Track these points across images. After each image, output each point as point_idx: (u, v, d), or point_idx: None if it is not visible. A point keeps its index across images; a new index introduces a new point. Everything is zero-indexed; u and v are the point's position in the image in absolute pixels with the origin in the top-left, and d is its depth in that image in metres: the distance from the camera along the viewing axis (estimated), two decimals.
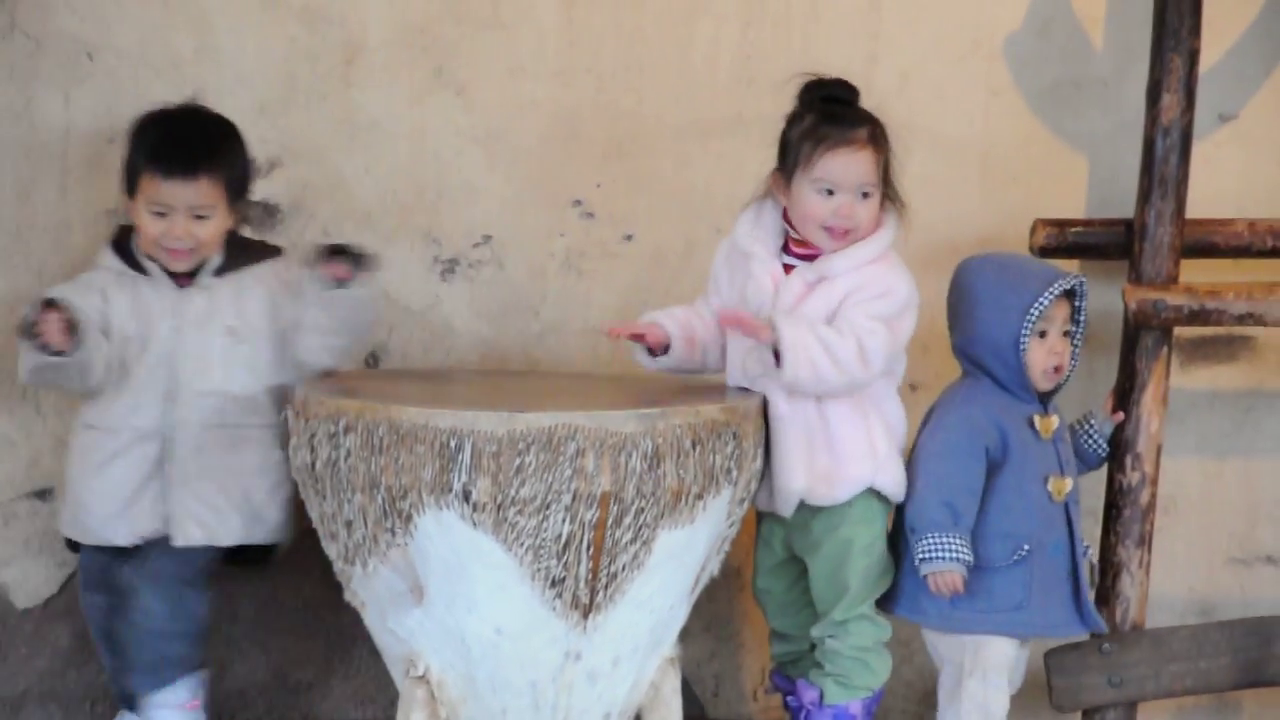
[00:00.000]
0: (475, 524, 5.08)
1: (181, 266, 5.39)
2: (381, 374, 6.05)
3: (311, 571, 5.89)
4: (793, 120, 5.02)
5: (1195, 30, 5.81)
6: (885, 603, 5.47)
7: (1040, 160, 6.34)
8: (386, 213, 6.17)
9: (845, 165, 4.97)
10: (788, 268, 5.13)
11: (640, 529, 5.21)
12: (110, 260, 5.44)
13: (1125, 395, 5.89)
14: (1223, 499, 6.45)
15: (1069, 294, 5.29)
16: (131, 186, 5.44)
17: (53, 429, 6.18)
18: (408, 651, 5.29)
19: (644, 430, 5.17)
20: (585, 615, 5.23)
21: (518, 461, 5.06)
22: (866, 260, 4.99)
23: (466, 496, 5.11)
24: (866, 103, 5.96)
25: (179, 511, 5.49)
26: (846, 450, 5.28)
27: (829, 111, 5.04)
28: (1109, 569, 6.08)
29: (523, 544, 5.09)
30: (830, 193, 4.93)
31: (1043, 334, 5.29)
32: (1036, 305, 5.17)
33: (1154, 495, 5.97)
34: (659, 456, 5.15)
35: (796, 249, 5.12)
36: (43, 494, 6.12)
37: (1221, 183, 6.20)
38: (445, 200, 6.18)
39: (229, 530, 5.55)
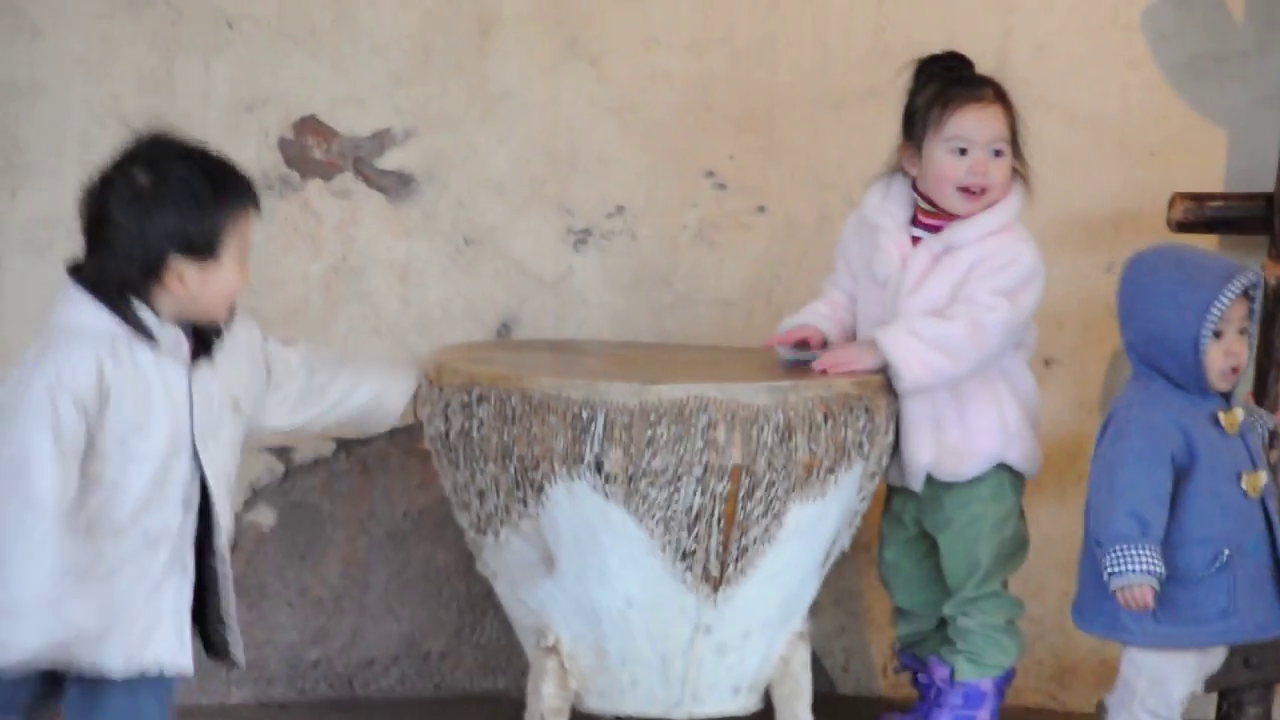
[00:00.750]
0: (607, 495, 5.08)
1: None
2: (513, 344, 6.04)
3: (444, 540, 5.98)
4: (916, 91, 4.98)
5: None
6: (1081, 621, 5.27)
7: (1178, 134, 6.20)
8: (519, 183, 6.14)
9: (977, 120, 4.94)
10: (915, 240, 5.06)
11: (771, 502, 5.21)
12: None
13: (1265, 373, 5.80)
14: None
15: (1245, 291, 5.14)
16: None
17: None
18: (538, 622, 5.31)
19: (776, 403, 5.17)
20: (715, 588, 5.23)
21: (649, 433, 5.08)
22: (992, 229, 4.91)
23: (598, 467, 5.11)
24: (1003, 76, 5.87)
25: None
26: (976, 424, 5.21)
27: (953, 75, 5.01)
28: None
29: (654, 516, 5.09)
30: (963, 152, 4.89)
31: (1218, 334, 5.05)
32: (1216, 305, 4.96)
33: None
34: (790, 429, 5.15)
35: (926, 219, 5.06)
36: None
37: None
38: (578, 171, 6.15)
39: None
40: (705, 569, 5.20)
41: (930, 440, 5.01)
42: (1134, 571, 4.81)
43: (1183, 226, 5.75)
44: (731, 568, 5.24)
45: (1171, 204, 5.72)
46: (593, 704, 5.37)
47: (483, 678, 6.21)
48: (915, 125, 5.04)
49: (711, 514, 5.12)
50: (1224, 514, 5.01)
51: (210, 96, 6.11)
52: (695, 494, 5.10)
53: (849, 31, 6.20)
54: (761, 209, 6.08)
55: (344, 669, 6.17)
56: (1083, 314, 6.14)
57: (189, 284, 4.15)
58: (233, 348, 4.53)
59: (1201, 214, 5.75)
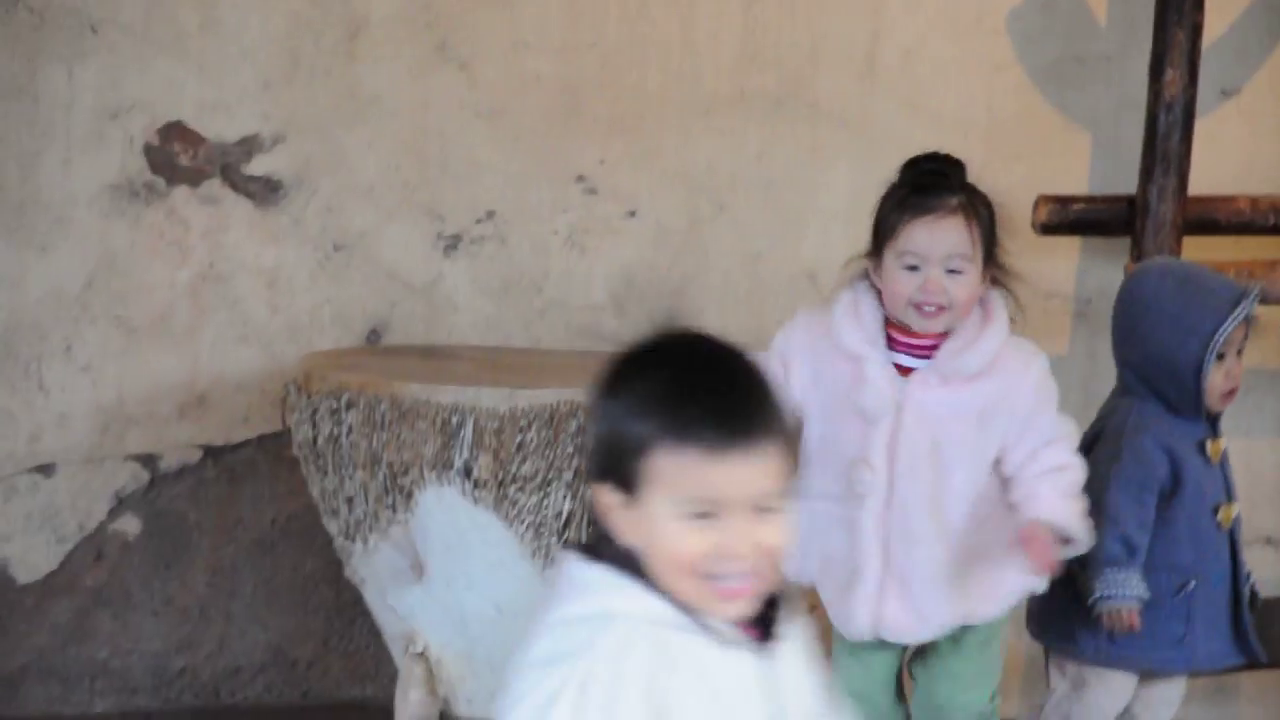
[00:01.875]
0: (476, 501, 5.05)
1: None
2: (383, 350, 6.03)
3: (312, 548, 5.90)
4: (888, 194, 4.51)
5: (1198, 5, 5.80)
6: (1036, 630, 5.24)
7: (1043, 137, 6.30)
8: (389, 189, 6.06)
9: (930, 235, 4.43)
10: (901, 370, 4.50)
11: None
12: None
13: None
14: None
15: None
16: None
17: (55, 404, 6.08)
18: (407, 629, 5.30)
19: None
20: None
21: (519, 438, 5.08)
22: (997, 351, 4.43)
23: (468, 473, 5.08)
24: (870, 81, 6.33)
25: None
26: (1005, 559, 4.71)
27: (919, 181, 4.53)
28: None
29: (523, 521, 5.08)
30: (915, 268, 4.39)
31: (1221, 356, 4.95)
32: (1222, 331, 4.88)
33: None
34: None
35: (903, 339, 4.48)
36: (45, 469, 6.02)
37: (1224, 159, 6.16)
38: (448, 176, 6.10)
39: None
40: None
41: (957, 593, 4.48)
42: (1123, 596, 4.76)
43: (1047, 229, 5.80)
44: None
45: (1036, 206, 5.76)
46: (461, 710, 5.33)
47: (351, 685, 6.16)
48: (877, 235, 4.57)
49: (582, 519, 5.09)
50: (1195, 543, 4.96)
51: (74, 103, 5.99)
52: (565, 499, 5.09)
53: (718, 35, 6.17)
54: (632, 213, 6.05)
55: (210, 678, 6.09)
56: None
57: None
58: None
59: (1065, 216, 5.82)
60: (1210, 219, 6.00)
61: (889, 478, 4.35)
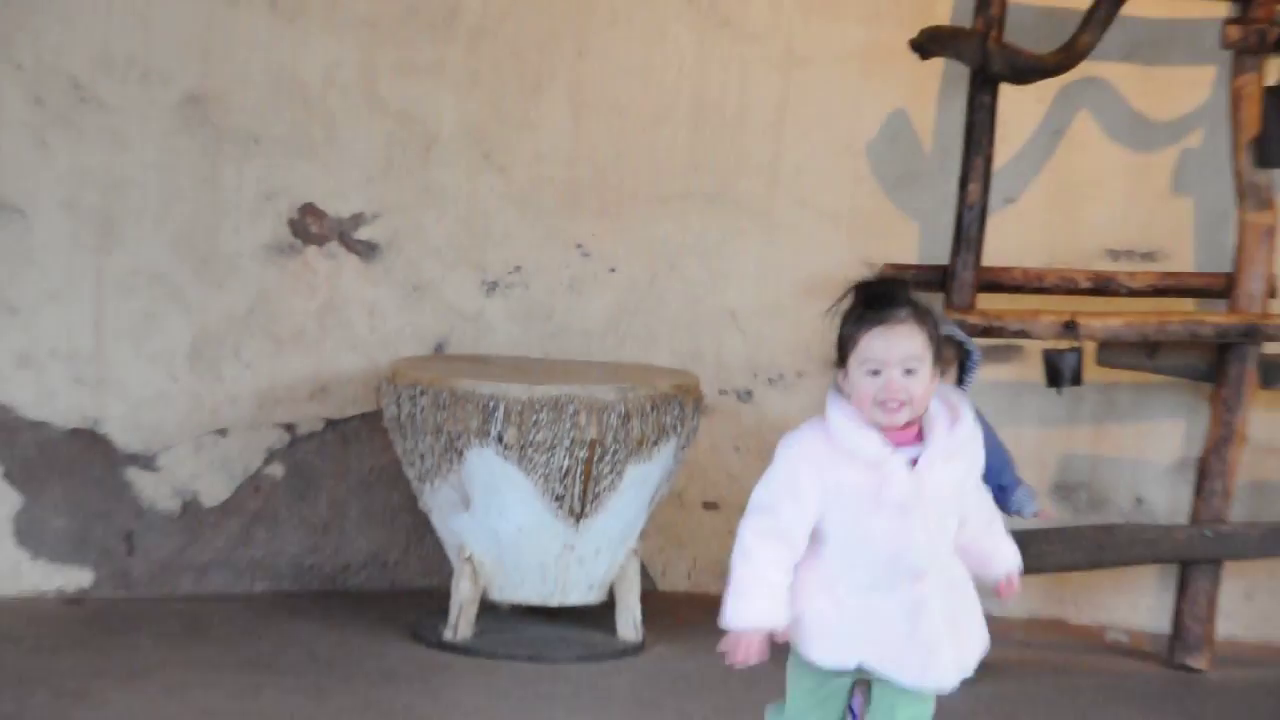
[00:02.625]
0: (505, 458, 5.84)
1: None
2: (444, 357, 6.67)
3: (396, 487, 6.60)
4: (846, 315, 4.11)
5: (990, 141, 6.49)
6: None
7: (889, 225, 6.96)
8: (450, 250, 6.73)
9: (886, 343, 4.01)
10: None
11: (615, 463, 5.95)
12: None
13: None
14: None
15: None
16: None
17: (228, 389, 6.66)
18: (459, 542, 6.08)
19: (620, 398, 5.93)
20: (578, 520, 5.97)
21: (535, 417, 5.84)
22: (971, 430, 4.11)
23: (499, 439, 5.85)
24: (774, 186, 6.92)
25: None
26: (976, 611, 4.38)
27: (871, 299, 4.12)
28: None
29: (537, 471, 5.87)
30: (876, 372, 3.95)
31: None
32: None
33: None
34: (629, 415, 5.93)
35: (889, 434, 4.03)
36: (222, 431, 6.67)
37: (1005, 242, 6.78)
38: (489, 242, 6.79)
39: None
40: (571, 507, 5.95)
41: (957, 642, 4.08)
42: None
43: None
44: (588, 506, 5.96)
45: (883, 272, 6.41)
46: (494, 596, 6.10)
47: (423, 578, 6.78)
48: (841, 349, 4.18)
49: (575, 471, 5.89)
50: None
51: (242, 189, 6.64)
52: (565, 457, 5.86)
53: (672, 152, 6.90)
54: (613, 270, 6.84)
55: (329, 571, 6.79)
56: (824, 347, 6.63)
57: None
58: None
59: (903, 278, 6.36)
60: (996, 282, 6.63)
61: (931, 555, 4.05)
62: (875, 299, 3.98)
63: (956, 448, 4.04)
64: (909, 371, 3.93)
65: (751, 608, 3.96)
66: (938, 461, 4.02)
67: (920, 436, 3.99)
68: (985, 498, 4.30)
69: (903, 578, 4.02)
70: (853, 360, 3.95)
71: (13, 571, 6.43)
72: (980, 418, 5.44)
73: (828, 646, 3.95)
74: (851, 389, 3.97)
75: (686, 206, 6.90)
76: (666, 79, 6.96)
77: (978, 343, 5.93)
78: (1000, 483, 5.93)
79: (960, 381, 5.80)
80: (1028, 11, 6.72)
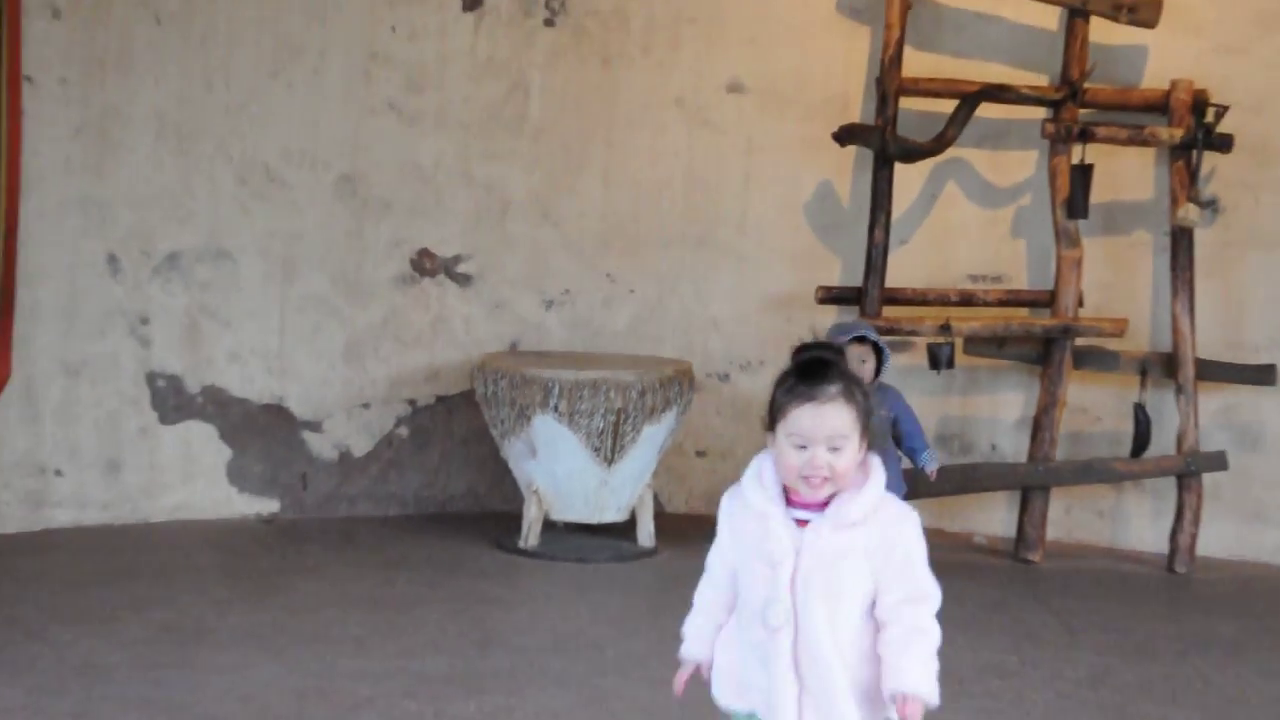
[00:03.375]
0: (559, 421, 6.29)
1: None
2: (517, 352, 6.96)
3: (484, 442, 6.91)
4: (780, 380, 3.35)
5: (889, 202, 6.87)
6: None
7: (820, 260, 7.29)
8: (520, 279, 7.13)
9: (814, 420, 3.26)
10: (799, 521, 3.31)
11: (635, 425, 6.35)
12: None
13: None
14: None
15: (860, 339, 5.79)
16: None
17: (371, 376, 6.95)
18: (528, 480, 6.49)
19: (637, 379, 6.32)
20: (609, 464, 6.38)
21: (579, 393, 6.29)
22: (872, 507, 3.30)
23: (555, 408, 6.28)
24: (744, 231, 7.15)
25: None
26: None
27: (803, 370, 3.34)
28: None
29: (581, 430, 6.31)
30: (803, 446, 3.22)
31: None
32: (843, 342, 5.63)
33: None
34: (644, 391, 6.34)
35: (797, 498, 3.31)
36: (366, 405, 7.03)
37: (900, 271, 7.04)
38: (549, 274, 7.18)
39: None
40: (604, 455, 6.35)
41: (862, 708, 3.31)
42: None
43: (823, 301, 6.97)
44: (616, 455, 6.38)
45: (817, 291, 6.97)
46: (553, 517, 6.49)
47: (503, 504, 7.04)
48: (771, 413, 3.37)
49: (607, 430, 6.31)
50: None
51: (379, 239, 7.02)
52: (600, 421, 6.30)
53: (673, 206, 7.27)
54: (632, 291, 7.26)
55: (440, 500, 7.17)
56: (779, 356, 6.43)
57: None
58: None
59: (830, 295, 6.99)
60: (894, 298, 6.94)
61: (793, 612, 3.28)
62: (808, 371, 3.34)
63: (856, 518, 3.33)
64: (834, 449, 3.30)
65: (684, 643, 3.52)
66: (824, 528, 3.35)
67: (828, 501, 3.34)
68: (908, 585, 3.41)
69: (769, 628, 3.40)
70: (780, 429, 3.30)
71: (226, 501, 6.81)
72: (900, 397, 5.74)
73: (723, 687, 3.47)
74: (778, 456, 3.32)
75: (682, 248, 7.33)
76: (666, 161, 7.32)
77: (886, 340, 6.28)
78: (912, 445, 6.07)
79: (877, 373, 5.86)
80: (912, 114, 7.02)
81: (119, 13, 6.53)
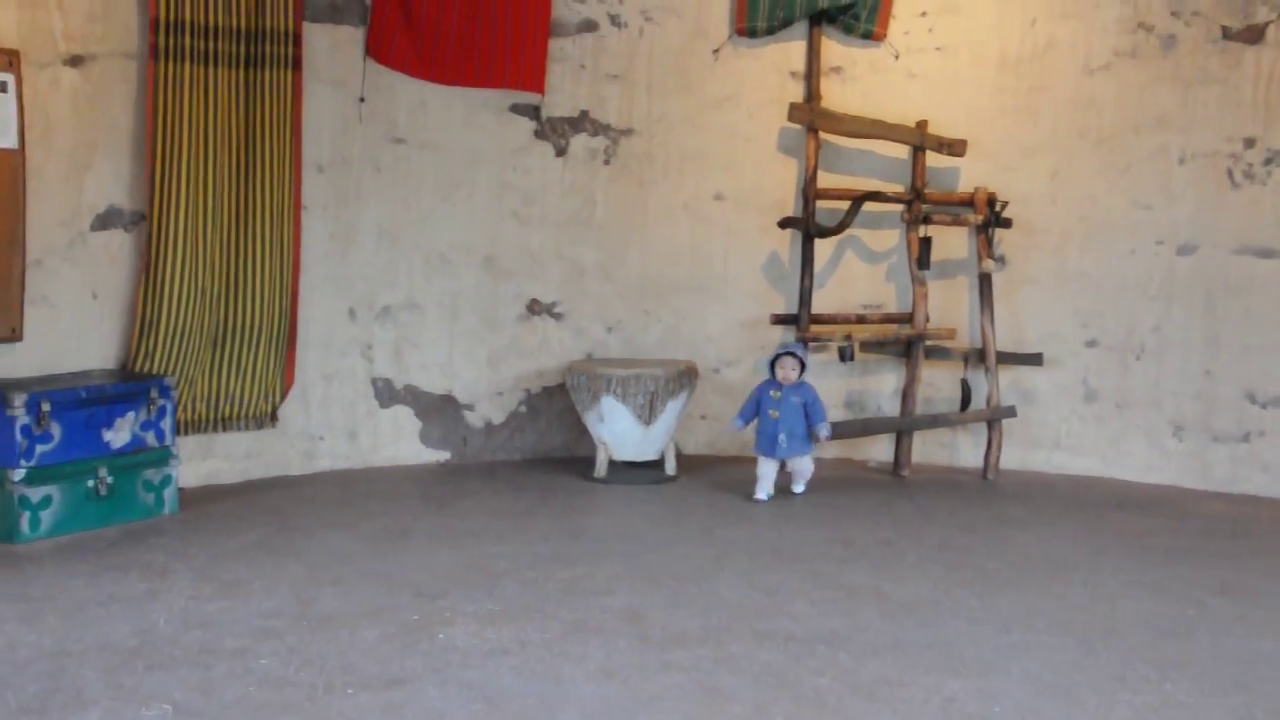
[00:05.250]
0: (615, 399, 6.39)
1: None
2: (590, 359, 6.89)
3: (572, 414, 6.95)
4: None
5: (811, 263, 6.66)
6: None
7: (772, 298, 7.01)
8: (593, 314, 6.98)
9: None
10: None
11: (664, 401, 6.44)
12: None
13: None
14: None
15: (792, 355, 5.91)
16: None
17: (503, 375, 6.86)
18: (599, 434, 6.51)
19: (664, 373, 6.40)
20: (648, 425, 6.42)
21: (629, 382, 6.36)
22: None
23: (615, 392, 6.39)
24: (725, 284, 7.05)
25: None
26: None
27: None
28: None
29: (630, 404, 6.38)
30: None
31: (779, 364, 5.92)
32: (774, 356, 5.89)
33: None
34: (668, 380, 6.40)
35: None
36: (501, 393, 6.91)
37: (821, 302, 6.89)
38: (608, 310, 7.05)
39: None
40: (645, 420, 6.41)
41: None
42: (733, 429, 5.87)
43: (775, 323, 6.88)
44: (653, 419, 6.43)
45: (770, 317, 6.85)
46: (614, 458, 6.49)
47: (585, 452, 7.01)
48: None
49: (647, 404, 6.38)
50: (764, 420, 5.78)
51: (507, 294, 6.78)
52: (642, 399, 6.36)
53: (682, 270, 7.10)
54: (659, 320, 7.15)
55: (546, 450, 7.09)
56: (749, 356, 7.07)
57: None
58: None
59: (779, 319, 6.83)
60: (817, 320, 6.72)
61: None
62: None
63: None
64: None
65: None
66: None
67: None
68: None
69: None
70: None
71: (418, 454, 6.76)
72: (811, 389, 6.01)
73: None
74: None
75: (689, 293, 7.24)
76: (678, 241, 7.18)
77: (809, 348, 6.66)
78: (815, 419, 6.09)
79: (802, 373, 6.05)
80: (824, 210, 7.00)
81: (355, 166, 6.57)
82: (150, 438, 5.62)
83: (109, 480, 5.41)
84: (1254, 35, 6.29)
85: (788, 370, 5.95)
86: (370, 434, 6.71)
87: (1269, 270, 6.41)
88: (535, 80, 6.62)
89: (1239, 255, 6.47)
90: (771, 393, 5.91)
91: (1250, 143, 6.41)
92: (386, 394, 6.74)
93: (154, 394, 5.56)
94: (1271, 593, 4.84)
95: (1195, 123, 6.54)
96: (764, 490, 5.97)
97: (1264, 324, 6.45)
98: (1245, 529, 5.78)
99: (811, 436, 6.13)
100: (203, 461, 6.17)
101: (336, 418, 6.63)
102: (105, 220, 5.76)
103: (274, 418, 6.37)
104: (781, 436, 5.88)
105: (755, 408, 6.04)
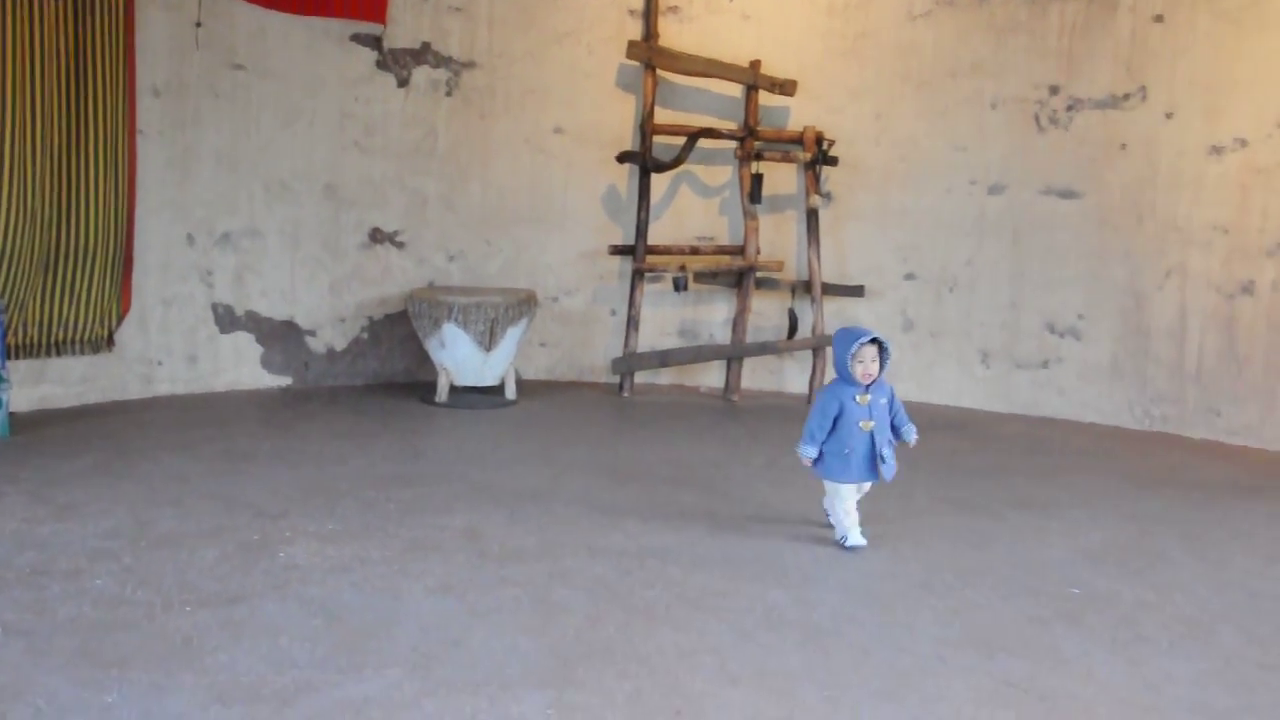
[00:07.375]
0: (457, 325, 6.27)
1: None
2: (432, 287, 6.64)
3: (414, 340, 6.91)
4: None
5: (642, 195, 6.68)
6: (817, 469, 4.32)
7: (611, 230, 7.07)
8: (436, 244, 6.85)
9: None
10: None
11: (505, 328, 6.37)
12: None
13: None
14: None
15: (875, 342, 4.26)
16: None
17: (345, 302, 6.74)
18: (441, 360, 6.44)
19: (504, 300, 6.29)
20: (488, 351, 6.37)
21: (470, 309, 6.27)
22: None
23: (456, 319, 6.29)
24: (564, 216, 7.01)
25: None
26: None
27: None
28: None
29: (471, 331, 6.30)
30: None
31: (860, 360, 4.21)
32: (856, 345, 4.19)
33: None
34: (508, 307, 6.34)
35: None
36: (343, 319, 6.78)
37: (656, 234, 6.98)
38: (452, 240, 6.88)
39: None
40: (485, 345, 6.34)
41: None
42: (804, 455, 4.22)
43: (612, 253, 6.89)
44: (493, 345, 6.37)
45: (609, 248, 6.90)
46: (455, 383, 6.44)
47: (424, 377, 6.98)
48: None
49: (487, 331, 6.33)
50: (851, 436, 4.22)
51: (349, 223, 6.58)
52: (482, 325, 6.30)
53: (523, 196, 7.05)
54: (500, 250, 7.06)
55: (388, 375, 6.96)
56: (586, 285, 7.01)
57: None
58: None
59: (617, 250, 6.81)
60: (653, 250, 6.71)
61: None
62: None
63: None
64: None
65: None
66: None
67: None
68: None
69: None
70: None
71: (259, 379, 6.67)
72: (892, 390, 4.46)
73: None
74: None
75: (529, 224, 7.26)
76: (519, 174, 7.08)
77: (645, 279, 6.70)
78: (902, 421, 4.59)
79: (881, 368, 4.39)
80: (660, 145, 6.99)
81: (192, 92, 6.41)
82: None
83: None
84: None
85: (868, 364, 4.28)
86: (210, 359, 6.61)
87: (1069, 210, 6.64)
88: (376, 11, 6.54)
89: (1043, 195, 6.71)
90: (857, 398, 4.28)
91: (1055, 89, 6.62)
92: (227, 319, 6.65)
93: None
94: (1063, 504, 5.03)
95: (1006, 69, 6.75)
96: (856, 533, 4.40)
97: (1064, 260, 6.68)
98: (1043, 448, 6.03)
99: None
100: (35, 386, 6.01)
101: (176, 342, 6.51)
102: None
103: (110, 342, 6.24)
104: (885, 452, 4.30)
105: (830, 423, 4.36)
